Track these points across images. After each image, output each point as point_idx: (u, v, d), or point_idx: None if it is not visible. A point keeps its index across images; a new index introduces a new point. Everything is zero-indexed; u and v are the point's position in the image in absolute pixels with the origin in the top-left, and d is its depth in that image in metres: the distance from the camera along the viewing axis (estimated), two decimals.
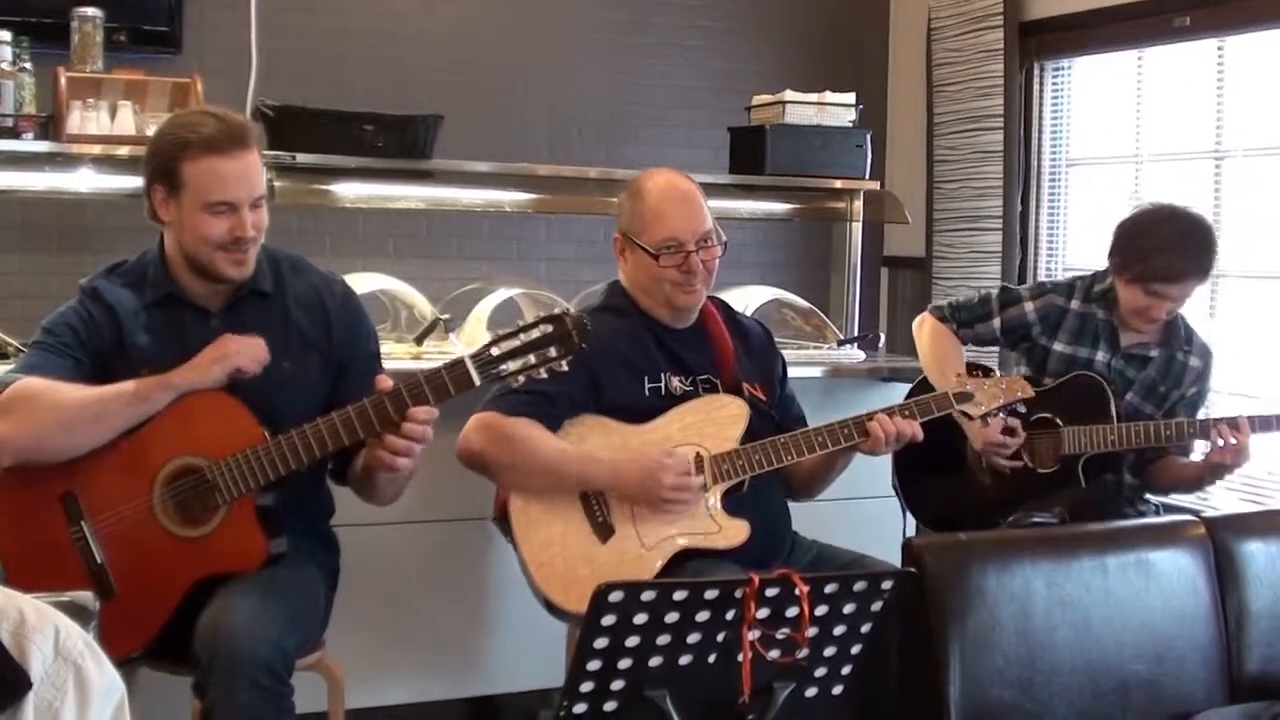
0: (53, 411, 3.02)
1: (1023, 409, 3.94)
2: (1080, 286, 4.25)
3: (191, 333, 3.21)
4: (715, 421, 3.61)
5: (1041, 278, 5.98)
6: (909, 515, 4.38)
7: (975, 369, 3.96)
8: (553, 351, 3.02)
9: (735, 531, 3.55)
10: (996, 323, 4.26)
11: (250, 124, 3.23)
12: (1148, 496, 4.27)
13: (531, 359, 3.03)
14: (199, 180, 3.10)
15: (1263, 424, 3.98)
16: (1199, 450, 4.17)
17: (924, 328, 4.33)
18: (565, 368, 3.06)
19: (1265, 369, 5.06)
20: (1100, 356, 4.15)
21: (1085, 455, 4.05)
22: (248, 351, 3.10)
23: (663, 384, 3.63)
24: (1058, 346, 4.20)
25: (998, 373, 3.87)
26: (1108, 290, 4.17)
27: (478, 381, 3.03)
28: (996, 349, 4.56)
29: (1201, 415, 4.26)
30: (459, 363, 3.03)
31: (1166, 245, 4.00)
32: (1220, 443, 3.96)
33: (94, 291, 3.24)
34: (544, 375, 3.06)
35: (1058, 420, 4.06)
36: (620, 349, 3.62)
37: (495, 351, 3.02)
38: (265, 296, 3.28)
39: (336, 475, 3.38)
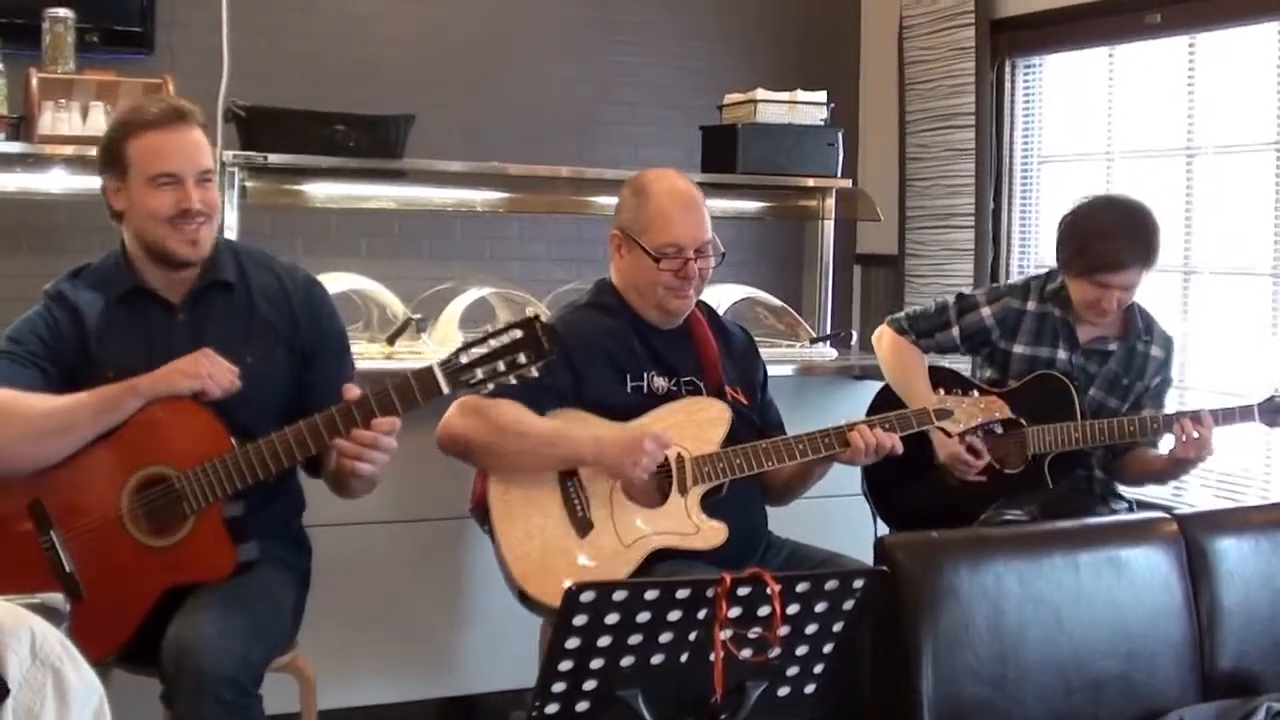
0: (20, 424, 3.00)
1: (1000, 430, 3.95)
2: (1035, 287, 4.25)
3: (156, 329, 3.21)
4: (697, 423, 3.62)
5: (1014, 274, 6.01)
6: (878, 519, 4.37)
7: (952, 384, 3.96)
8: (522, 358, 3.01)
9: (713, 533, 3.56)
10: (955, 331, 4.26)
11: (194, 108, 3.23)
12: (1120, 491, 4.29)
13: (501, 366, 3.01)
14: (141, 156, 3.12)
15: (1225, 416, 3.99)
16: (1166, 441, 4.17)
17: (883, 341, 4.34)
18: (535, 374, 3.05)
19: (1239, 365, 5.07)
20: (1061, 355, 4.16)
21: (1051, 454, 4.07)
22: (218, 377, 3.07)
23: (645, 383, 3.64)
24: (1018, 349, 4.21)
25: (975, 393, 3.87)
26: (1060, 288, 4.18)
27: (446, 390, 3.02)
28: (958, 355, 4.55)
29: (1169, 405, 4.27)
30: (427, 371, 3.02)
31: (1106, 233, 4.01)
32: (1184, 437, 3.98)
33: (59, 296, 3.23)
34: (514, 382, 3.05)
35: (1022, 421, 4.06)
36: (605, 346, 3.63)
37: (464, 359, 3.01)
38: (229, 287, 3.27)
39: (309, 469, 3.36)
